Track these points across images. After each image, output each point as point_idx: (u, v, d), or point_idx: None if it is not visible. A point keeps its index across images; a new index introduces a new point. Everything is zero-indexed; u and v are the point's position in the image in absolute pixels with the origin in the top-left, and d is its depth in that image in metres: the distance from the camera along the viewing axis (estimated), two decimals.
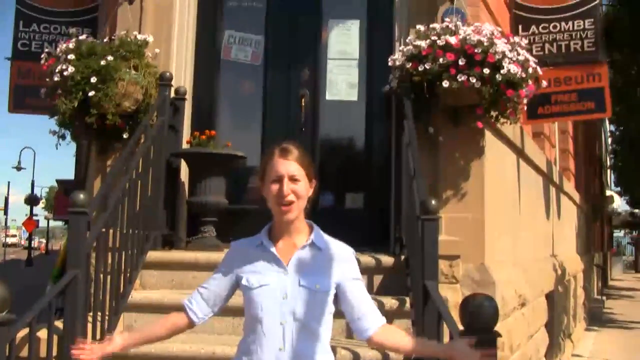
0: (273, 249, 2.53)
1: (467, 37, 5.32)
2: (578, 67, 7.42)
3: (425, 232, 4.15)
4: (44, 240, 59.28)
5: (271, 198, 2.50)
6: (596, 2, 7.50)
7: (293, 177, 2.49)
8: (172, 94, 5.80)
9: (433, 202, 4.17)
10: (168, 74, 5.69)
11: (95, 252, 4.38)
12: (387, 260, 5.20)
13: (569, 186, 12.82)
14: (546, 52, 7.44)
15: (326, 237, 2.60)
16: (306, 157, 2.57)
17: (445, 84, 5.21)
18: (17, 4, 7.80)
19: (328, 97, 6.39)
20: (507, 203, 6.81)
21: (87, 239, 4.14)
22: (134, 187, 4.93)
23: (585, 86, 7.45)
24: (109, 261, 4.52)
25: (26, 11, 7.75)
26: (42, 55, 5.97)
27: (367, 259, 5.07)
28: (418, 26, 5.58)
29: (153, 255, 5.27)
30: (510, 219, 6.90)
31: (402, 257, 5.18)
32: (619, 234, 56.27)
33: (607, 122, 23.97)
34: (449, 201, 5.65)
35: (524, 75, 5.38)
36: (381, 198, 5.99)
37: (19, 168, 43.09)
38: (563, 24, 7.45)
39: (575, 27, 7.41)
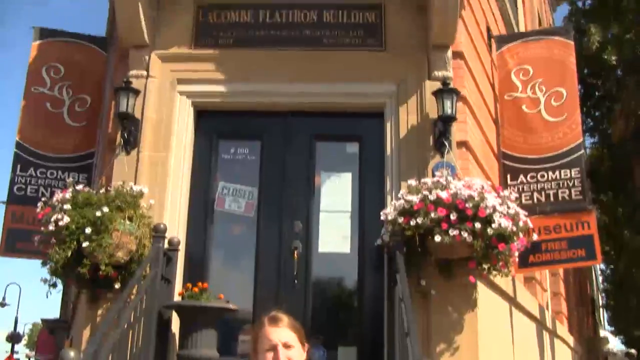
0: None
1: (458, 192, 5.44)
2: (567, 214, 7.53)
3: None
4: None
5: None
6: (581, 152, 7.72)
7: (287, 344, 2.49)
8: (166, 245, 5.81)
9: None
10: (162, 225, 5.72)
11: None
12: None
13: (563, 330, 12.66)
14: (535, 200, 7.60)
15: None
16: (296, 322, 2.59)
17: (437, 238, 5.28)
18: (16, 148, 7.96)
19: (320, 249, 6.43)
20: (501, 354, 6.70)
21: None
22: (125, 339, 4.84)
23: (575, 234, 7.54)
24: None
25: (25, 156, 7.90)
26: (39, 204, 6.01)
27: None
28: (409, 181, 5.72)
29: None
30: None
31: None
32: None
33: None
34: (442, 354, 5.57)
35: (514, 229, 5.46)
36: (374, 353, 5.88)
37: (2, 304, 42.24)
38: (550, 173, 7.64)
39: (563, 176, 7.59)
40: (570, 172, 7.60)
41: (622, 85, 16.87)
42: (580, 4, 17.48)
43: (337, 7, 6.82)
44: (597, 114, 18.15)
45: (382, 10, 6.81)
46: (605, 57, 15.50)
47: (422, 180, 5.69)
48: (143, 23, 6.49)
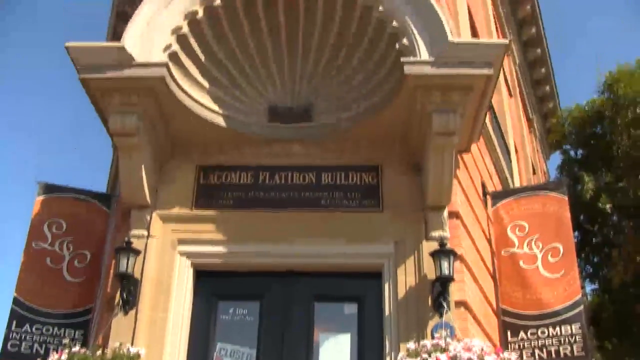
0: None
1: (458, 355, 5.38)
2: None
3: None
4: None
5: None
6: (581, 308, 7.69)
7: None
8: None
9: None
10: None
11: None
12: None
13: None
14: (537, 357, 7.52)
15: None
16: None
17: None
18: (13, 304, 7.90)
19: None
20: None
21: None
22: None
23: None
24: None
25: (21, 312, 7.82)
26: None
27: None
28: (408, 344, 5.66)
29: None
30: None
31: None
32: None
33: None
34: None
35: None
36: None
37: None
38: (551, 329, 7.57)
39: (564, 333, 7.52)
40: (571, 327, 7.53)
41: (618, 231, 17.01)
42: (572, 153, 17.92)
43: (335, 169, 7.03)
44: (596, 259, 18.13)
45: (379, 171, 7.02)
46: (600, 205, 15.74)
47: (421, 342, 5.63)
48: (145, 186, 6.66)
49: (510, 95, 15.24)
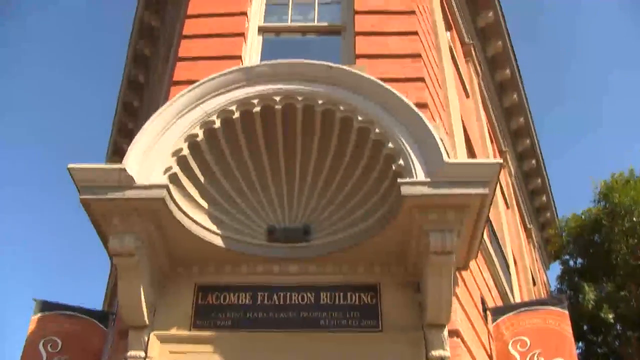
0: None
1: None
2: None
3: None
4: None
5: None
6: None
7: None
8: None
9: None
10: None
11: None
12: None
13: None
14: None
15: None
16: None
17: None
18: None
19: None
20: None
21: None
22: None
23: None
24: None
25: None
26: None
27: None
28: None
29: None
30: None
31: None
32: None
33: None
34: None
35: None
36: None
37: None
38: None
39: None
40: None
41: (623, 341, 16.81)
42: (572, 263, 17.94)
43: (334, 289, 7.00)
44: None
45: (377, 290, 6.99)
46: (603, 314, 15.63)
47: None
48: (144, 307, 6.61)
49: (507, 206, 15.38)
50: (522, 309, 8.38)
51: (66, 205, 40.52)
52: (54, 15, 40.88)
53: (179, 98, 7.11)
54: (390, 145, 6.76)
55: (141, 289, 6.57)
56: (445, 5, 12.64)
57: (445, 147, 6.70)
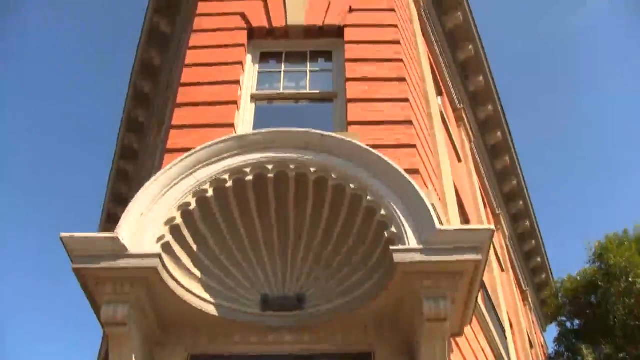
0: None
1: None
2: None
3: None
4: None
5: None
6: None
7: None
8: None
9: None
10: None
11: None
12: None
13: None
14: None
15: None
16: None
17: None
18: None
19: None
20: None
21: None
22: None
23: None
24: None
25: None
26: None
27: None
28: None
29: None
30: None
31: None
32: None
33: None
34: None
35: None
36: None
37: None
38: None
39: None
40: None
41: None
42: (569, 324, 17.76)
43: (329, 357, 6.86)
44: None
45: (372, 358, 6.90)
46: None
47: None
48: None
49: (502, 269, 15.35)
50: None
51: (60, 273, 40.20)
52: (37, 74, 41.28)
53: (172, 167, 7.17)
54: (382, 212, 6.80)
55: (132, 358, 6.49)
56: (436, 70, 12.87)
57: (437, 214, 6.74)
